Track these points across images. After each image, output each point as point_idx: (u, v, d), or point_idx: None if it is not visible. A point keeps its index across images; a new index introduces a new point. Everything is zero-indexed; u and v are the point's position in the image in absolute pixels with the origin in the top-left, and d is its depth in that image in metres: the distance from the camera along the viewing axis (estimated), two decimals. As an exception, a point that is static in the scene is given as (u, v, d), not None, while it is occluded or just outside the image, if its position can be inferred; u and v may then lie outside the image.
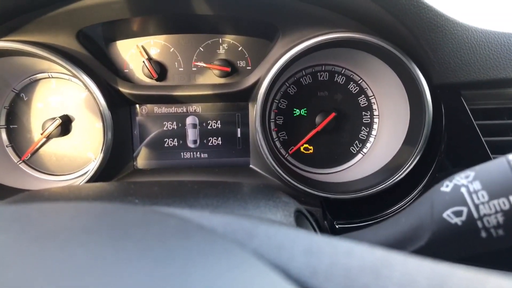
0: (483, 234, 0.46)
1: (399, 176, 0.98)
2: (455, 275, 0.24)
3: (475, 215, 0.46)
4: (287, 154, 1.16)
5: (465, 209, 0.46)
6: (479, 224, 0.46)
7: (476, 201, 0.46)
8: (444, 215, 0.48)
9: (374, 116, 1.14)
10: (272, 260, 0.26)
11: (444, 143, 0.95)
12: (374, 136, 1.15)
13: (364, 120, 1.15)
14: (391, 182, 0.98)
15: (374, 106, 1.14)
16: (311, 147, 1.16)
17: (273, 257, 0.26)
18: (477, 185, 0.47)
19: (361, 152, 1.16)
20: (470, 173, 0.49)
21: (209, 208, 0.49)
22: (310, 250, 0.26)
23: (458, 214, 0.47)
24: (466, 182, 0.48)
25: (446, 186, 0.50)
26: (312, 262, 0.25)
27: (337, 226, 0.98)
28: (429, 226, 0.48)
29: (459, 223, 0.47)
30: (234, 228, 0.30)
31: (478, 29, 0.86)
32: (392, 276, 0.24)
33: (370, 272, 0.24)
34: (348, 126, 1.15)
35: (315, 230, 0.64)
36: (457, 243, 0.47)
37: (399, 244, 0.51)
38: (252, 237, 0.29)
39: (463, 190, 0.47)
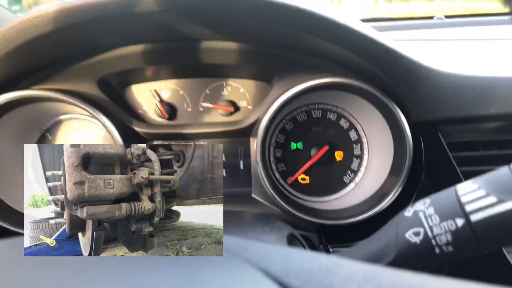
0: (437, 250, 0.56)
1: (385, 204, 1.08)
2: (383, 272, 0.35)
3: (430, 234, 0.56)
4: (285, 184, 1.27)
5: (422, 230, 0.57)
6: (433, 242, 0.56)
7: (430, 223, 0.57)
8: (406, 235, 0.58)
9: (364, 149, 1.26)
10: (256, 264, 0.37)
11: (424, 174, 1.06)
12: (364, 167, 1.26)
13: (355, 152, 1.26)
14: (378, 209, 1.08)
15: (364, 140, 1.26)
16: (308, 177, 1.27)
17: (257, 263, 0.38)
18: (431, 210, 0.58)
19: (353, 181, 1.27)
20: (427, 200, 0.60)
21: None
22: (286, 258, 0.37)
23: (417, 234, 0.57)
24: (424, 208, 0.59)
25: (409, 212, 0.61)
26: (285, 266, 0.37)
27: (331, 250, 1.08)
28: (395, 245, 0.59)
29: (418, 242, 0.57)
30: (232, 244, 0.42)
31: (447, 73, 0.98)
32: (339, 273, 0.35)
33: (325, 271, 0.35)
34: (340, 158, 1.26)
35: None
36: (417, 258, 0.58)
37: (372, 260, 0.61)
38: (245, 251, 0.40)
39: (421, 214, 0.58)
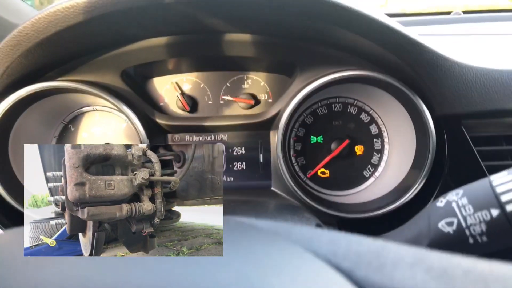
0: (471, 240, 0.56)
1: (407, 198, 1.08)
2: (433, 255, 0.36)
3: (464, 224, 0.56)
4: (305, 178, 1.28)
5: (455, 220, 0.57)
6: (467, 232, 0.56)
7: (464, 213, 0.57)
8: (439, 225, 0.58)
9: (385, 143, 1.26)
10: (306, 247, 0.38)
11: (447, 167, 1.06)
12: (385, 161, 1.26)
13: (376, 147, 1.26)
14: (400, 203, 1.08)
15: (384, 134, 1.25)
16: (327, 171, 1.27)
17: (306, 246, 0.38)
18: (464, 201, 0.57)
19: (373, 175, 1.27)
20: (460, 190, 0.60)
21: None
22: (333, 241, 0.38)
23: (450, 224, 0.57)
24: (456, 198, 0.59)
25: (441, 202, 0.61)
26: (333, 248, 0.37)
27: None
28: (427, 234, 0.59)
29: (451, 231, 0.57)
30: (277, 228, 0.42)
31: (473, 67, 0.97)
32: (389, 256, 0.35)
33: (374, 254, 0.36)
34: (361, 152, 1.26)
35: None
36: (450, 249, 0.58)
37: (403, 250, 0.62)
38: (290, 234, 0.41)
39: (454, 204, 0.58)
